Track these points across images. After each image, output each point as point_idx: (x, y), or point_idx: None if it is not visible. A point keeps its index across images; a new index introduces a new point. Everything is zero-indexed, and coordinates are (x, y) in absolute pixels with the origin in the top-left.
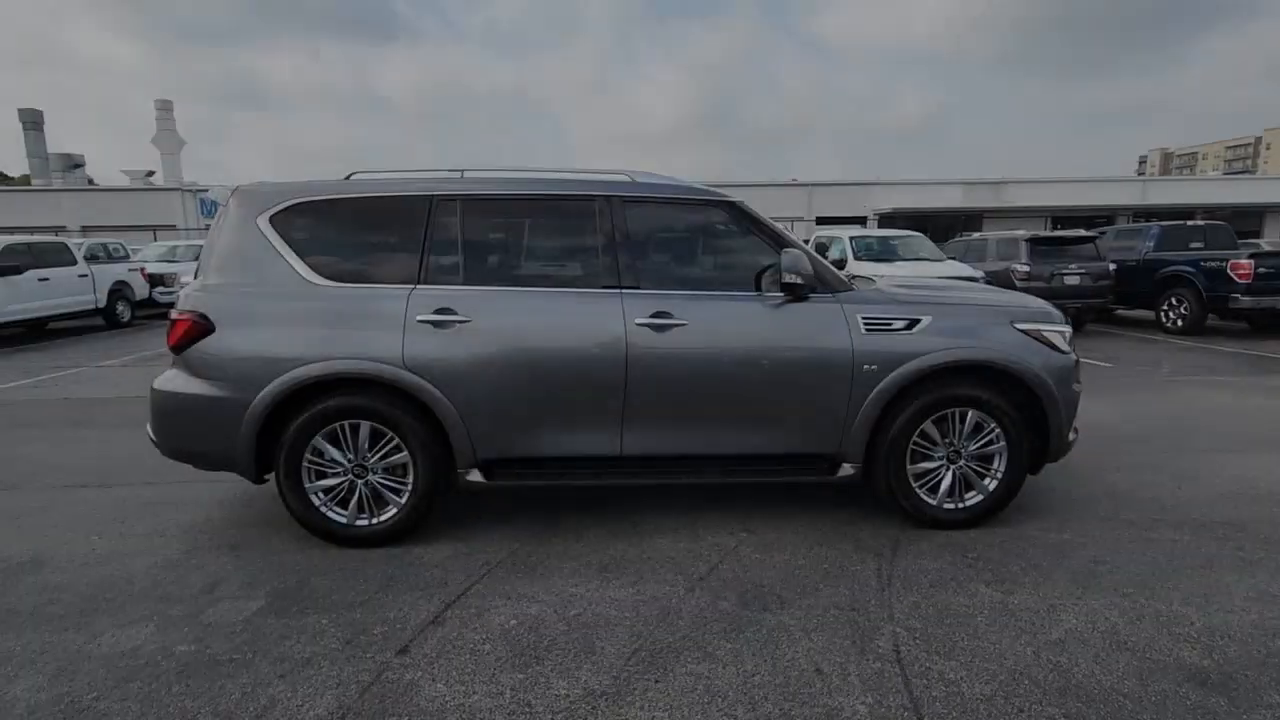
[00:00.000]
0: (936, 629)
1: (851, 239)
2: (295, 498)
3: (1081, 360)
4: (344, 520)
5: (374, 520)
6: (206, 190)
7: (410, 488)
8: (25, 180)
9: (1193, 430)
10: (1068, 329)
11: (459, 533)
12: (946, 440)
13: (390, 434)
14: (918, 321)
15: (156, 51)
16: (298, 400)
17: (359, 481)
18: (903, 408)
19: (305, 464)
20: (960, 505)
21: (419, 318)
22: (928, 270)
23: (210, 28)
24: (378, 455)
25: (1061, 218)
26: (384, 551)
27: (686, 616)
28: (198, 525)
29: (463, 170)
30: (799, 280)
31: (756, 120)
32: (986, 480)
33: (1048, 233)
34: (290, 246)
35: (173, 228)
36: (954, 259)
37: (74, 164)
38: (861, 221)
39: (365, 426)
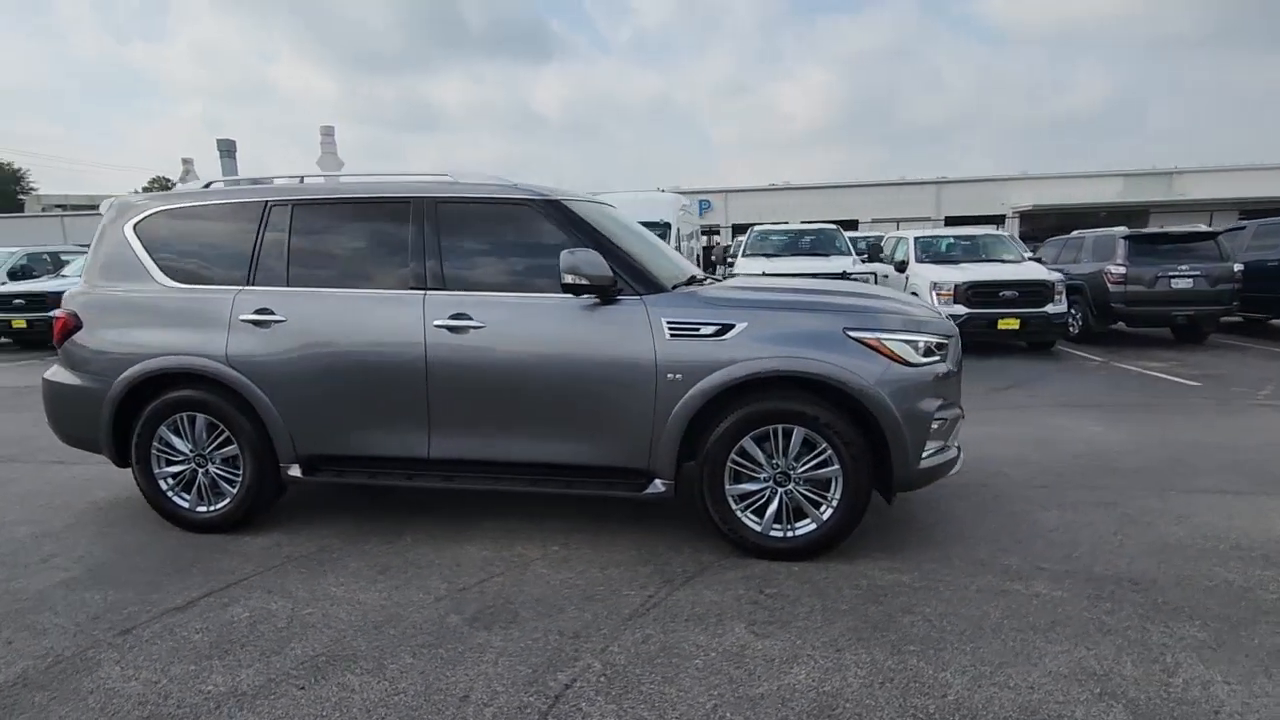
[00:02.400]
0: (638, 668)
1: (916, 239)
2: (146, 482)
3: (1163, 377)
4: (187, 506)
5: (211, 508)
6: None
7: (241, 479)
8: None
9: (1214, 466)
10: (927, 338)
11: (294, 525)
12: (773, 460)
13: (223, 427)
14: (730, 327)
15: (342, 82)
16: (147, 391)
17: (199, 471)
18: (718, 422)
19: (154, 451)
20: (790, 534)
21: (242, 317)
22: (994, 272)
23: (387, 59)
24: (213, 447)
25: (1253, 211)
26: (221, 537)
27: (403, 627)
28: (99, 504)
29: (303, 176)
30: (580, 281)
31: (912, 115)
32: (822, 508)
33: (1153, 229)
34: (147, 251)
35: None
36: (1036, 260)
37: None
38: (999, 221)
39: (200, 419)
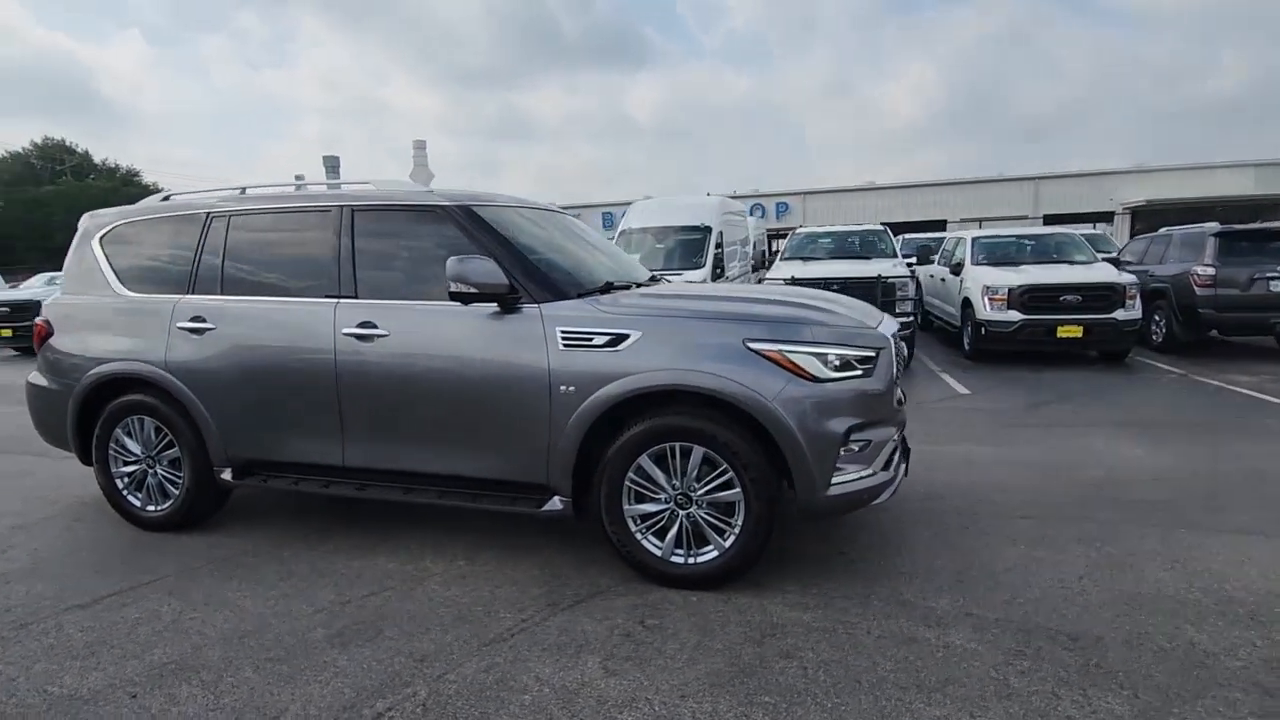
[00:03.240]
0: (462, 701)
1: (974, 240)
2: (104, 479)
3: (1246, 393)
4: (139, 504)
5: (158, 508)
6: None
7: (182, 481)
8: None
9: (1257, 501)
10: (842, 350)
11: (239, 526)
12: (673, 481)
13: (167, 430)
14: (625, 337)
15: (446, 97)
16: (106, 394)
17: (149, 472)
18: (614, 437)
19: (111, 452)
20: (691, 561)
21: (179, 325)
22: (1055, 274)
23: (488, 73)
24: (159, 449)
25: None
26: (166, 536)
27: (264, 639)
28: (84, 499)
29: (244, 188)
30: (468, 289)
31: (1024, 109)
32: (726, 534)
33: (1249, 226)
34: (109, 262)
35: None
36: (1113, 261)
37: None
38: (1106, 219)
39: (149, 422)
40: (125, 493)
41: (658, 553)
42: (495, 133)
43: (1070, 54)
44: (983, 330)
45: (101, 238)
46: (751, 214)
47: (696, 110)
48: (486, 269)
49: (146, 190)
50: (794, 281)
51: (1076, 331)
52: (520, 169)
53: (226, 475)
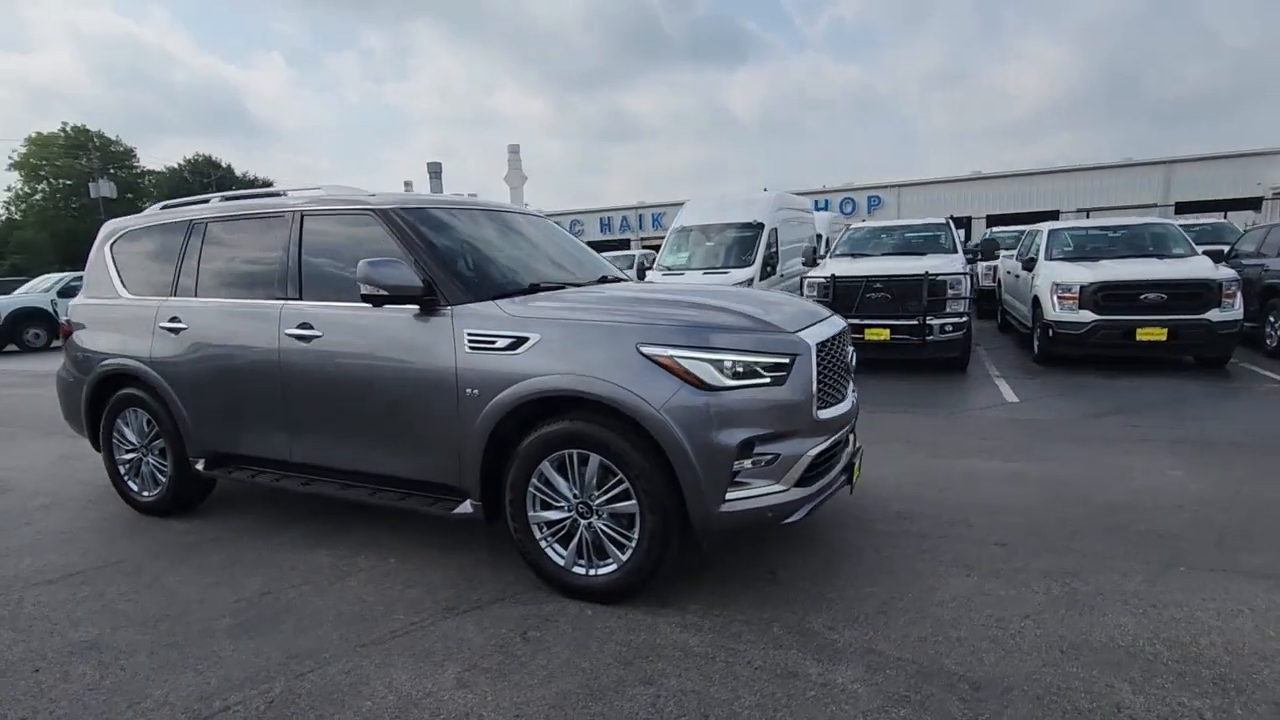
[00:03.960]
0: (306, 703)
1: (1051, 232)
2: (109, 465)
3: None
4: (136, 490)
5: (150, 494)
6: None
7: (167, 469)
8: None
9: (1276, 541)
10: (742, 357)
11: (223, 513)
12: (574, 490)
13: (155, 422)
14: (524, 340)
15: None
16: (110, 387)
17: (143, 461)
18: (519, 442)
19: (115, 440)
20: (591, 573)
21: (161, 324)
22: (1137, 270)
23: (592, 75)
24: (150, 439)
25: None
26: (153, 521)
27: (173, 625)
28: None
29: (225, 195)
30: (377, 291)
31: (1167, 88)
32: (625, 548)
33: None
34: (115, 267)
35: None
36: (1205, 253)
37: None
38: (1254, 204)
39: (141, 414)
40: (126, 478)
41: (561, 562)
42: (600, 134)
43: (1230, 26)
44: (1050, 332)
45: (111, 244)
46: (841, 210)
47: (798, 104)
48: (395, 271)
49: None
50: (833, 279)
51: (1160, 334)
52: (624, 169)
53: (200, 466)
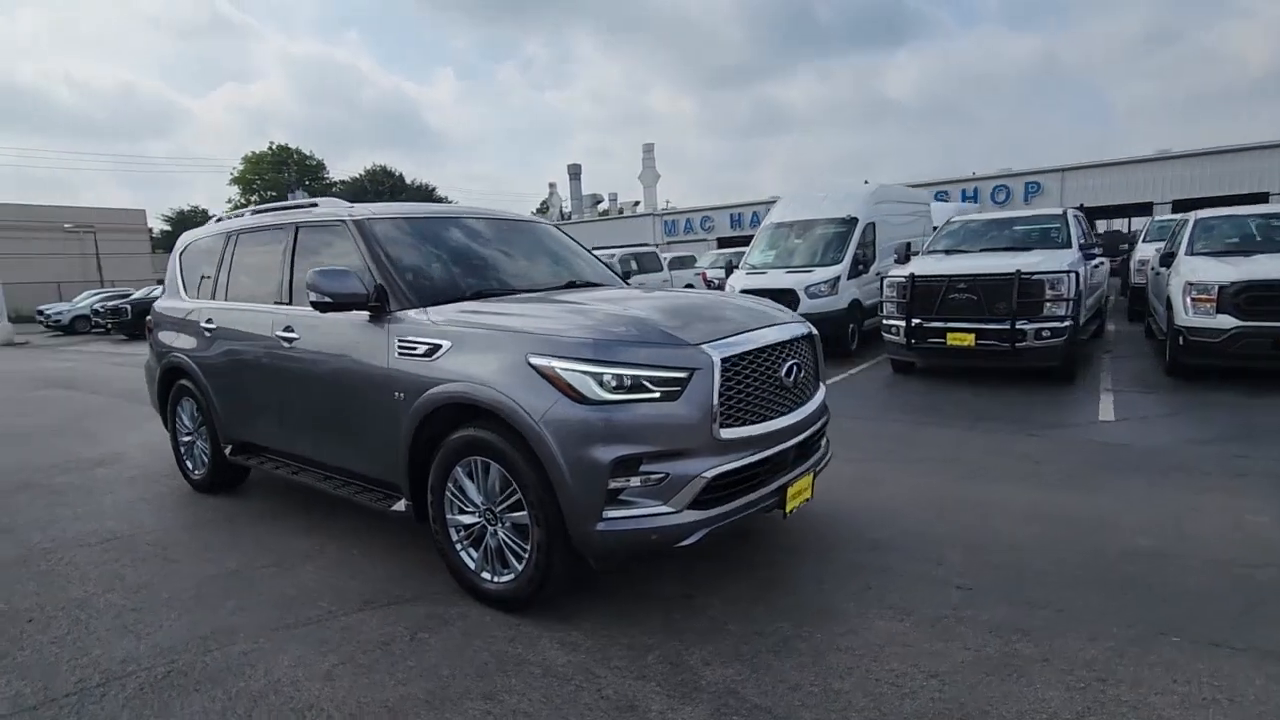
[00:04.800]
0: (173, 688)
1: (1198, 221)
2: (174, 445)
3: None
4: (190, 468)
5: (199, 473)
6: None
7: (210, 453)
8: (567, 218)
9: None
10: (626, 370)
11: (244, 496)
12: (480, 496)
13: (201, 412)
14: (439, 348)
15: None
16: (172, 378)
17: (194, 444)
18: (437, 446)
19: (176, 424)
20: (495, 580)
21: (202, 325)
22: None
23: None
24: (199, 425)
25: None
26: (196, 496)
27: (117, 596)
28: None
29: (254, 209)
30: (322, 298)
31: None
32: (522, 558)
33: None
34: (182, 274)
35: (644, 245)
36: None
37: (595, 201)
38: None
39: (190, 403)
40: (185, 458)
41: (473, 566)
42: (750, 129)
43: None
44: (1181, 339)
45: (181, 253)
46: (992, 199)
47: (967, 83)
48: (339, 279)
49: None
50: (911, 279)
51: None
52: (774, 161)
53: (229, 452)
